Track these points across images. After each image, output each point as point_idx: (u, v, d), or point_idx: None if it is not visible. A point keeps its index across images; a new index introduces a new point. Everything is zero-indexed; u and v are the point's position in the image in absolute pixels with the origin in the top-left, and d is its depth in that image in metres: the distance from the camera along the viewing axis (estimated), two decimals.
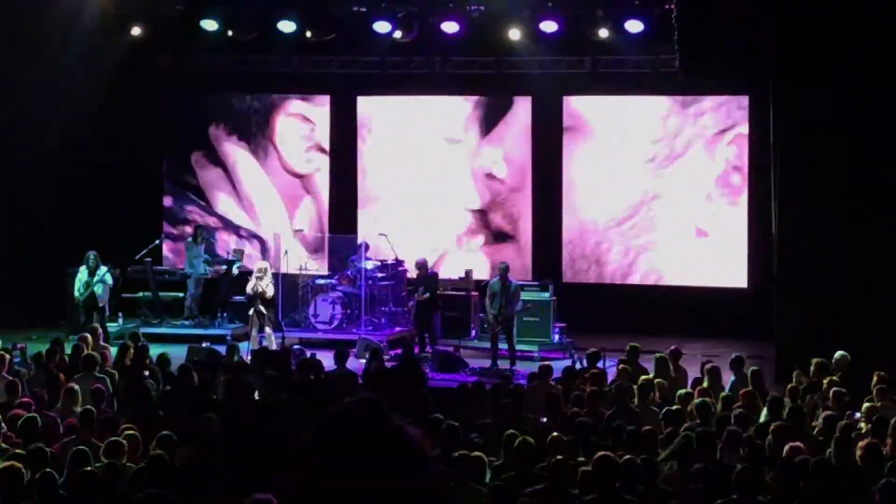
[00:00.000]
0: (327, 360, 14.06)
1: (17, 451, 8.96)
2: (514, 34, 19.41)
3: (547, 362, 14.14)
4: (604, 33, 19.02)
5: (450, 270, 20.68)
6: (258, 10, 19.74)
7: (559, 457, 8.75)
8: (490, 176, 21.67)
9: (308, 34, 19.93)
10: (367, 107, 22.19)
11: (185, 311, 19.65)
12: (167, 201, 22.69)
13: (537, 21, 19.00)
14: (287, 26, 19.59)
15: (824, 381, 12.23)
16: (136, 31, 20.22)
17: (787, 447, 9.27)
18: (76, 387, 11.51)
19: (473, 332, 18.94)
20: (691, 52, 16.58)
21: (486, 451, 9.20)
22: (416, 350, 17.12)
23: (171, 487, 7.67)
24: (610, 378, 13.62)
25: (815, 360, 12.92)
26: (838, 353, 13.12)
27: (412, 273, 18.80)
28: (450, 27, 19.27)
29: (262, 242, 22.30)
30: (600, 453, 8.48)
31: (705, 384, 12.72)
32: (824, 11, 15.41)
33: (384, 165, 22.04)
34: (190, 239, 19.97)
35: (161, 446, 9.19)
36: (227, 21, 19.87)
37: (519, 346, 17.39)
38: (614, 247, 21.23)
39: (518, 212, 21.64)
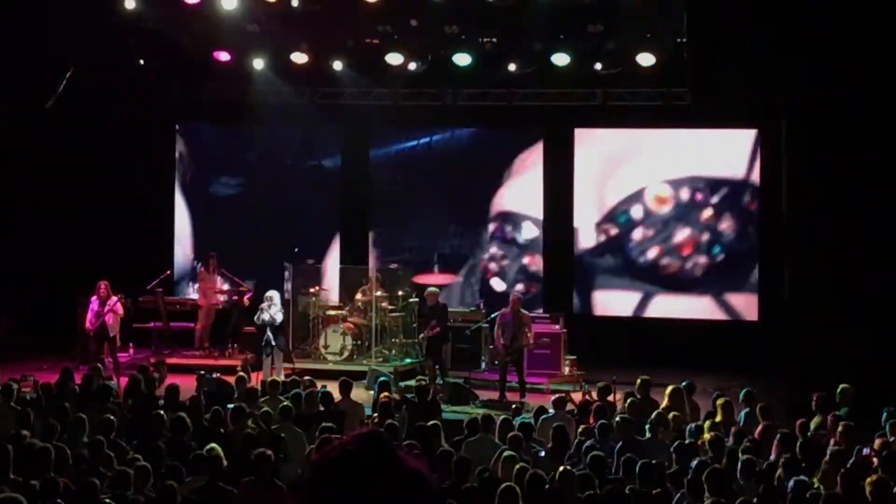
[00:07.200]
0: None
1: (32, 482, 8.95)
2: (526, 67, 19.41)
3: (560, 394, 14.13)
4: (615, 66, 19.03)
5: (462, 301, 20.75)
6: (271, 42, 19.82)
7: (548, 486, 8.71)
8: (502, 206, 21.70)
9: (321, 66, 20.02)
10: (380, 138, 22.29)
11: (195, 341, 19.63)
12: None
13: (549, 53, 19.02)
14: (300, 58, 19.67)
15: (828, 416, 12.16)
16: (148, 61, 20.29)
17: (798, 481, 9.21)
18: (83, 416, 11.48)
19: (484, 364, 18.89)
20: (702, 85, 16.61)
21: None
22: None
23: None
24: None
25: (815, 395, 12.81)
26: (843, 386, 12.97)
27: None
28: (462, 59, 19.31)
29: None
30: (610, 486, 8.44)
31: (718, 418, 12.66)
32: (835, 46, 15.41)
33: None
34: (203, 268, 19.95)
35: (170, 477, 9.19)
36: (240, 52, 19.95)
37: (528, 379, 17.34)
38: (626, 278, 21.21)
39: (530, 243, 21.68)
